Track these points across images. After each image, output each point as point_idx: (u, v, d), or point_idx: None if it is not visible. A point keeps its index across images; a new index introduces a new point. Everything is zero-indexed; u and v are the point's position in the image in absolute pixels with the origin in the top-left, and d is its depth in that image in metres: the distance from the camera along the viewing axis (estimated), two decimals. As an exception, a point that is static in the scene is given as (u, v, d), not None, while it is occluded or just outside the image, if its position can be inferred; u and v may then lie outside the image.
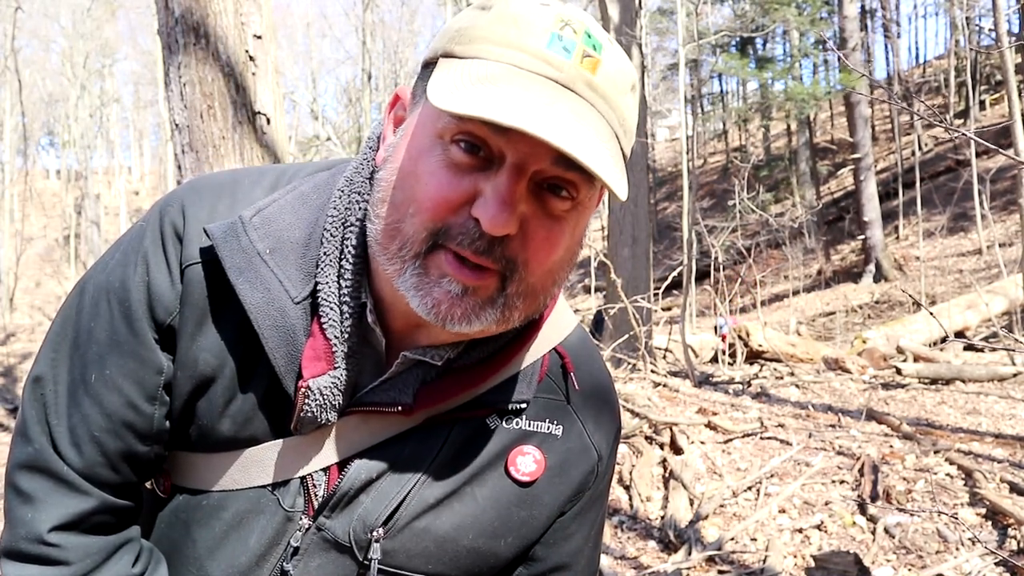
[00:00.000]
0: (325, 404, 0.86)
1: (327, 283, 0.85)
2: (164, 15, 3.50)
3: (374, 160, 0.88)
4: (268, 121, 3.56)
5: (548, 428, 0.95)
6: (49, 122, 45.42)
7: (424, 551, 0.91)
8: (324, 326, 0.85)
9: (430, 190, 0.76)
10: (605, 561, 3.81)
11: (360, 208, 0.87)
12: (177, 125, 3.50)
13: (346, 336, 0.86)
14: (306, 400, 0.85)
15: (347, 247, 0.86)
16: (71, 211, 35.95)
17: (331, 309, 0.85)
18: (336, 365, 0.85)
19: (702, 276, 18.64)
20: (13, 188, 31.74)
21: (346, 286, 0.85)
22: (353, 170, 0.91)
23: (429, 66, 0.81)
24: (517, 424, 0.94)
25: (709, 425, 5.74)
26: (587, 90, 0.76)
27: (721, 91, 41.05)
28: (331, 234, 0.87)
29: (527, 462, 0.94)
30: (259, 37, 3.55)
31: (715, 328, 9.97)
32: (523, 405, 0.93)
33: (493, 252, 0.76)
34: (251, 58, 3.51)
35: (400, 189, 0.79)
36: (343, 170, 0.92)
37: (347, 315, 0.85)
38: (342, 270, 0.86)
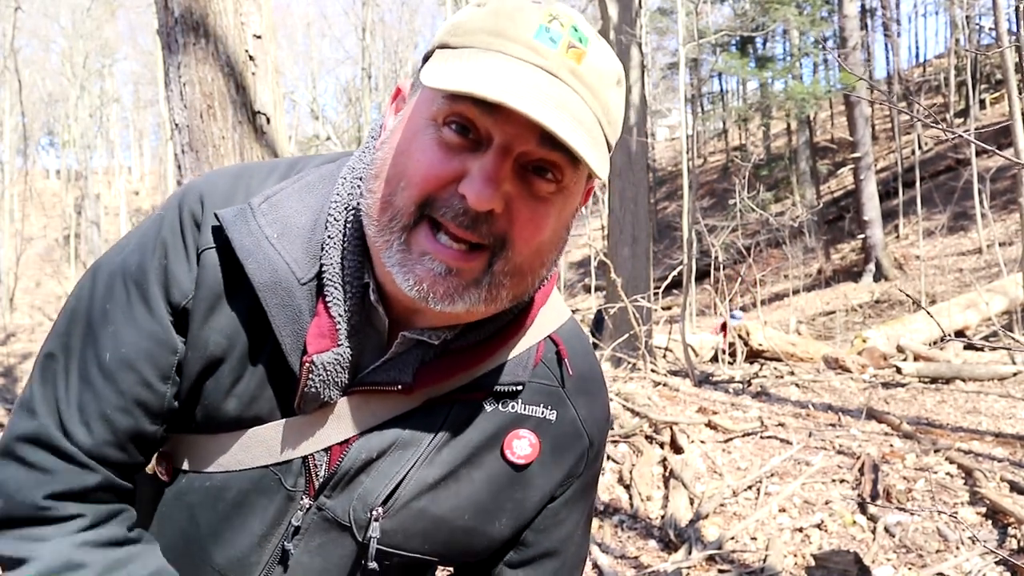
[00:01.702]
0: (328, 380, 0.89)
1: (331, 264, 0.89)
2: (164, 15, 3.50)
3: (374, 147, 0.91)
4: (268, 121, 3.56)
5: (542, 413, 0.98)
6: (49, 122, 45.40)
7: (422, 531, 0.94)
8: (328, 305, 0.88)
9: (421, 166, 0.80)
10: (605, 560, 3.81)
11: (361, 192, 0.90)
12: (177, 125, 3.50)
13: (349, 314, 0.89)
14: (310, 375, 0.88)
15: (349, 230, 0.89)
16: (71, 211, 35.95)
17: (335, 288, 0.88)
18: (340, 343, 0.88)
19: (702, 275, 18.64)
20: (13, 188, 31.73)
21: (348, 267, 0.89)
22: (356, 158, 0.95)
23: (427, 58, 0.85)
24: (512, 408, 0.97)
25: (709, 424, 5.74)
26: (571, 77, 0.79)
27: (721, 90, 41.05)
28: (334, 218, 0.90)
29: (523, 445, 0.96)
30: (259, 37, 3.55)
31: (723, 324, 9.98)
32: (519, 388, 0.96)
33: (479, 228, 0.79)
34: (251, 58, 3.51)
35: (394, 166, 0.83)
36: (347, 161, 0.97)
37: (350, 294, 0.88)
38: (345, 251, 0.89)
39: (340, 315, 0.88)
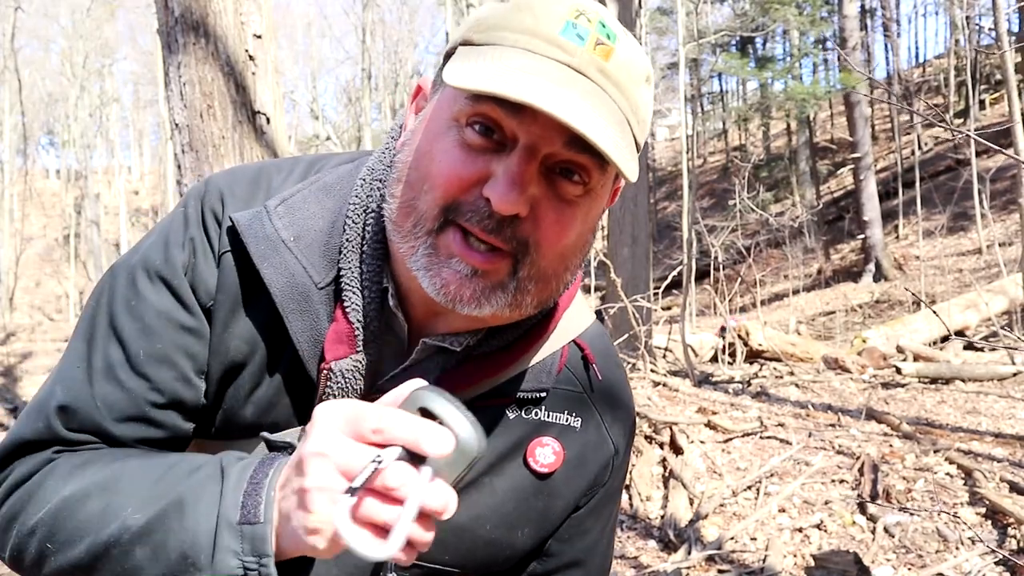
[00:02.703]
0: (347, 388, 0.87)
1: (349, 268, 0.87)
2: (164, 15, 3.50)
3: (395, 148, 0.89)
4: (268, 121, 3.56)
5: (567, 420, 0.96)
6: (49, 122, 45.38)
7: (441, 541, 0.90)
8: (347, 310, 0.86)
9: (443, 168, 0.77)
10: (605, 560, 3.81)
11: (381, 195, 0.88)
12: (177, 125, 3.50)
13: (368, 320, 0.86)
14: (328, 383, 0.86)
15: (368, 233, 0.87)
16: (71, 211, 35.93)
17: (353, 293, 0.86)
18: (358, 349, 0.86)
19: (702, 275, 18.62)
20: (13, 188, 31.74)
21: (367, 271, 0.86)
22: (375, 159, 0.92)
23: (449, 56, 0.82)
24: (536, 414, 0.94)
25: (709, 424, 5.74)
26: (599, 75, 0.76)
27: (721, 90, 41.03)
28: (353, 221, 0.88)
29: (546, 453, 0.94)
30: (259, 36, 3.55)
31: (721, 328, 10.01)
32: (542, 394, 0.93)
33: (503, 232, 0.77)
34: (251, 58, 3.51)
35: (415, 169, 0.80)
36: (365, 161, 0.94)
37: (369, 299, 0.86)
38: (363, 255, 0.87)
39: (358, 321, 0.86)
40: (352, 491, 0.64)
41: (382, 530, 0.64)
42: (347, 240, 0.87)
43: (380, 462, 0.64)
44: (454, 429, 0.65)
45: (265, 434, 0.78)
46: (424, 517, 0.66)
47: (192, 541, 0.71)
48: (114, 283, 0.89)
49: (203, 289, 0.87)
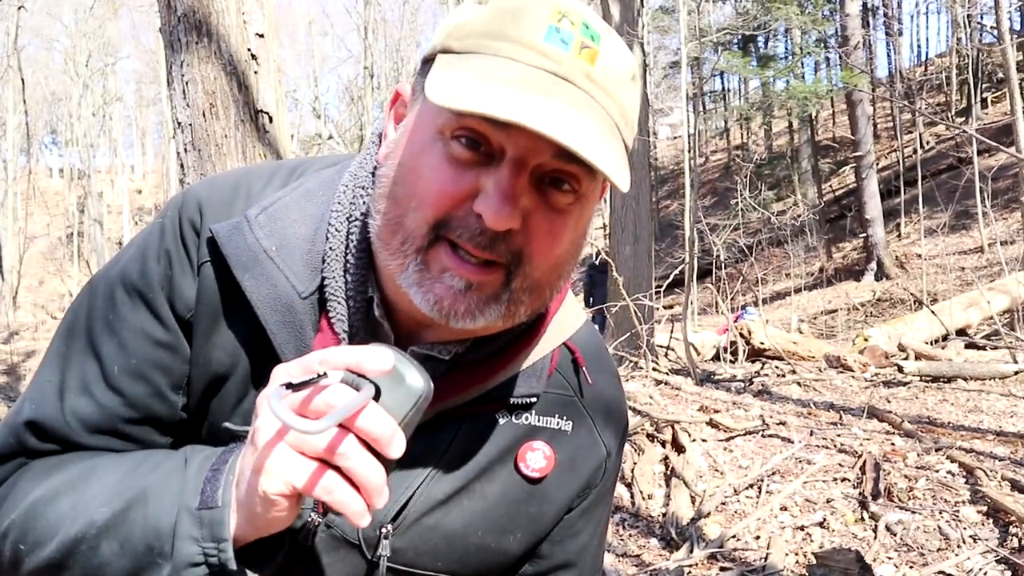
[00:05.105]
0: None
1: (333, 277, 0.85)
2: (166, 13, 3.52)
3: (377, 155, 0.88)
4: (270, 119, 3.57)
5: (558, 424, 0.95)
6: (52, 120, 45.49)
7: (433, 548, 0.91)
8: (332, 320, 0.84)
9: (432, 184, 0.76)
10: (607, 559, 3.82)
11: (364, 202, 0.87)
12: (180, 124, 3.51)
13: (354, 330, 0.85)
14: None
15: (352, 241, 0.86)
16: (74, 209, 36.01)
17: (338, 303, 0.85)
18: None
19: (704, 274, 18.62)
20: (16, 186, 31.80)
21: (352, 280, 0.85)
22: (357, 165, 0.90)
23: (428, 62, 0.80)
24: (526, 419, 0.93)
25: (711, 423, 5.74)
26: (586, 82, 0.75)
27: (723, 89, 40.95)
28: (336, 229, 0.86)
29: (537, 458, 0.93)
30: (261, 35, 3.56)
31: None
32: (533, 400, 0.92)
33: (496, 247, 0.76)
34: (253, 56, 3.51)
35: (401, 184, 0.78)
36: (348, 166, 0.92)
37: (354, 309, 0.85)
38: (347, 264, 0.85)
39: (344, 331, 0.84)
40: (290, 386, 0.65)
41: (323, 464, 0.66)
42: (330, 248, 0.85)
43: (324, 376, 0.66)
44: (399, 369, 0.67)
45: (228, 424, 0.78)
46: (369, 449, 0.66)
47: (155, 531, 0.71)
48: (93, 298, 0.88)
49: (181, 302, 0.86)
